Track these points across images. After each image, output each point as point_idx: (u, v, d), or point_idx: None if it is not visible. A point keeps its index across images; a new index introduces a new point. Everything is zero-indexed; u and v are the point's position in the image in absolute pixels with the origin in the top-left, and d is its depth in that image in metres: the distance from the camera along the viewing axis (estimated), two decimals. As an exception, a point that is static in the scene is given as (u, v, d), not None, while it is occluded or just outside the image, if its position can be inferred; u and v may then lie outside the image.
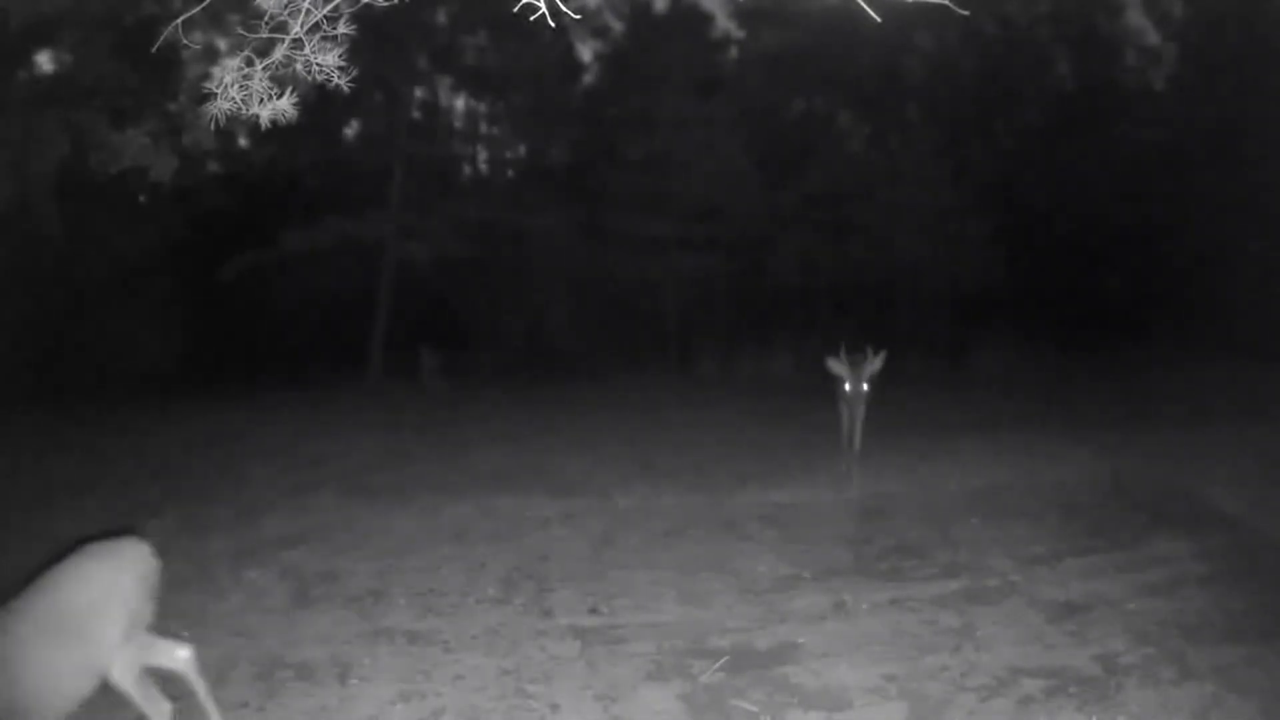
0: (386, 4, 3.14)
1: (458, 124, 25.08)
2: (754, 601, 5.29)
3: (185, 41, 3.42)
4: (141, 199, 18.93)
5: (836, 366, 8.26)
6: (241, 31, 3.19)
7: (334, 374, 18.42)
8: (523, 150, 25.54)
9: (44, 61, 11.86)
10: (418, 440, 11.02)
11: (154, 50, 4.09)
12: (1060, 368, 18.33)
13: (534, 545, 6.53)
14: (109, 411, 13.72)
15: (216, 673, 4.37)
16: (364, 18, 3.21)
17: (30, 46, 10.59)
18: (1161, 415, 11.22)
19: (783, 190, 20.74)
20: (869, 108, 23.62)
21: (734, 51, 24.09)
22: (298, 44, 3.08)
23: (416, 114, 22.61)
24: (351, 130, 22.72)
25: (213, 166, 20.42)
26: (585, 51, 23.90)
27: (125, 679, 3.37)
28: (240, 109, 3.16)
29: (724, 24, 23.36)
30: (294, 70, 3.14)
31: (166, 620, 4.93)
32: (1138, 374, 15.98)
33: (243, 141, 19.43)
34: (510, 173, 25.68)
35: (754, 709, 3.95)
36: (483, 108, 24.78)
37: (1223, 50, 20.48)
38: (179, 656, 3.60)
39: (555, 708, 4.02)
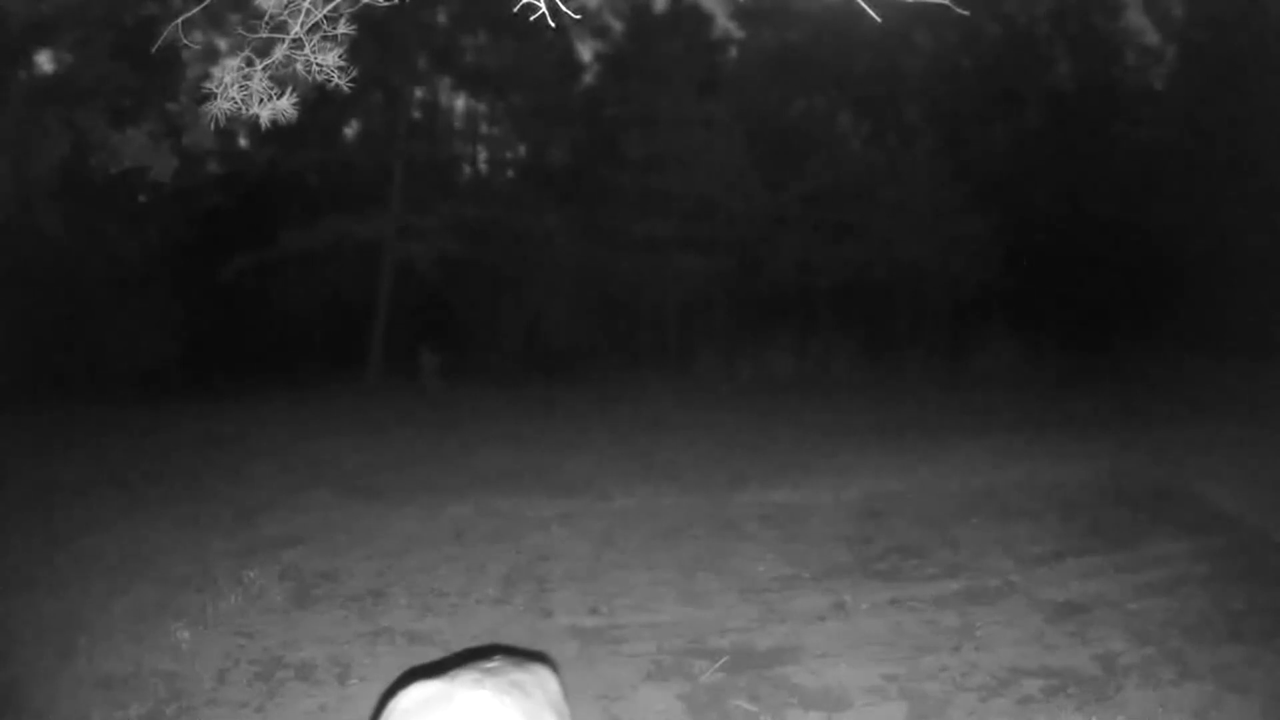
0: (386, 4, 3.15)
1: (458, 124, 25.17)
2: (754, 601, 5.28)
3: (185, 41, 3.43)
4: (141, 199, 19.05)
5: None
6: (241, 31, 3.19)
7: (334, 374, 18.42)
8: (523, 150, 25.59)
9: (44, 61, 11.91)
10: (417, 440, 11.01)
11: (154, 50, 4.10)
12: (1060, 367, 18.31)
13: (534, 545, 6.52)
14: (109, 411, 13.71)
15: (216, 673, 4.38)
16: (364, 18, 3.21)
17: (30, 46, 10.62)
18: (1161, 415, 11.21)
19: (782, 190, 20.73)
20: (869, 108, 23.63)
21: (734, 51, 24.20)
22: (298, 44, 3.09)
23: (416, 114, 22.67)
24: (351, 130, 22.77)
25: (213, 166, 20.46)
26: (585, 51, 23.99)
27: None
28: (240, 109, 3.16)
29: (724, 24, 23.49)
30: (294, 70, 3.14)
31: (166, 620, 4.97)
32: (1137, 373, 15.97)
33: (243, 141, 19.54)
34: (510, 173, 25.75)
35: (754, 709, 3.94)
36: (483, 108, 24.86)
37: (1223, 50, 20.48)
38: None
39: (555, 708, 4.02)
